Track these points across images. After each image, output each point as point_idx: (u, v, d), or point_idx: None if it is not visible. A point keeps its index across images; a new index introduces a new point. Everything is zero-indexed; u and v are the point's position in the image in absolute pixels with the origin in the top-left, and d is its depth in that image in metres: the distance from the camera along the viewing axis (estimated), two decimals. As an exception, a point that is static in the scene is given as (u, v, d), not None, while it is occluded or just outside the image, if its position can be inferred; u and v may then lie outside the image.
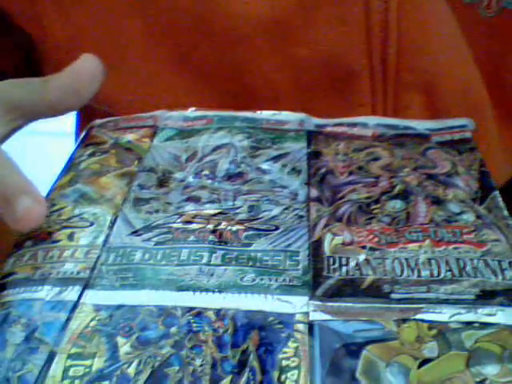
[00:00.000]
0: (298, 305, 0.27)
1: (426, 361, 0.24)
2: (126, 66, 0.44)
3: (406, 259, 0.29)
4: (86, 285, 0.28)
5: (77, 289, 0.28)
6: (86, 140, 0.40)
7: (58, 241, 0.31)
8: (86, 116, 0.43)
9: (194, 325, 0.26)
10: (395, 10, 0.40)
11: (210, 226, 0.32)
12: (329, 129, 0.40)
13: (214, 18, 0.41)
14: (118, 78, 0.43)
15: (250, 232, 0.31)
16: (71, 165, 0.38)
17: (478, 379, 0.23)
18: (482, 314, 0.26)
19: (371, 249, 0.30)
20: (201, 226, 0.32)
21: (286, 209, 0.33)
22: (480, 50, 0.43)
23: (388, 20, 0.40)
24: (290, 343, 0.25)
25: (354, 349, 0.25)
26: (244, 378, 0.24)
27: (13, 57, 0.48)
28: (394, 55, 0.41)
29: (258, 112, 0.41)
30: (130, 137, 0.40)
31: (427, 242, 0.30)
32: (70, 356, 0.25)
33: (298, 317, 0.27)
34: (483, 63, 0.44)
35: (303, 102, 0.43)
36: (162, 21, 0.42)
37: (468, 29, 0.42)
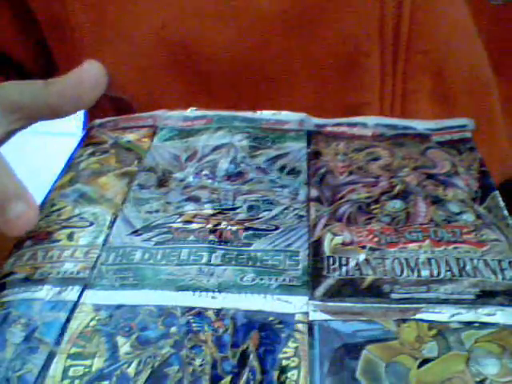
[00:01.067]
0: (297, 305, 0.27)
1: (425, 361, 0.24)
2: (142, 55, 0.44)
3: (406, 259, 0.29)
4: (86, 285, 0.28)
5: (77, 289, 0.28)
6: (86, 140, 0.40)
7: (58, 240, 0.31)
8: (94, 116, 0.43)
9: (194, 325, 0.26)
10: None
11: (210, 226, 0.32)
12: (329, 129, 0.40)
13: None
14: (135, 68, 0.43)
15: (250, 232, 0.31)
16: (71, 165, 0.38)
17: (477, 379, 0.23)
18: (481, 314, 0.26)
19: (371, 249, 0.30)
20: (201, 225, 0.32)
21: (285, 209, 0.33)
22: (487, 37, 0.43)
23: (402, 2, 0.40)
24: (289, 343, 0.25)
25: (353, 349, 0.25)
26: (244, 378, 0.24)
27: (27, 48, 0.48)
28: (406, 37, 0.41)
29: (258, 112, 0.41)
30: (129, 137, 0.40)
31: (427, 241, 0.30)
32: (69, 356, 0.25)
33: (298, 317, 0.27)
34: (490, 50, 0.44)
35: (313, 84, 0.43)
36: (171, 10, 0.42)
37: (476, 15, 0.42)
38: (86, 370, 0.24)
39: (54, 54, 0.47)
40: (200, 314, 0.27)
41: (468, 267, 0.28)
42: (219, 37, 0.42)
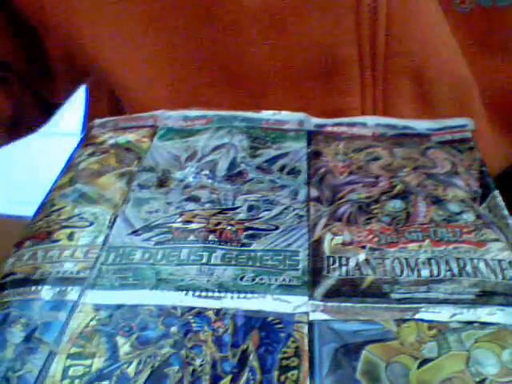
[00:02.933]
0: (297, 305, 0.27)
1: (425, 361, 0.24)
2: (120, 49, 0.44)
3: (406, 259, 0.29)
4: (86, 285, 0.28)
5: (77, 289, 0.28)
6: (86, 140, 0.40)
7: (58, 240, 0.31)
8: (93, 116, 0.43)
9: (194, 325, 0.26)
10: None
11: (210, 226, 0.32)
12: (328, 129, 0.40)
13: (210, 3, 0.41)
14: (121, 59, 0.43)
15: (250, 232, 0.31)
16: (71, 165, 0.38)
17: (477, 379, 0.23)
18: (481, 314, 0.26)
19: (371, 249, 0.30)
20: (201, 225, 0.32)
21: (285, 209, 0.33)
22: (459, 39, 0.44)
23: (377, 6, 0.40)
24: (289, 343, 0.25)
25: (353, 349, 0.25)
26: (244, 378, 0.24)
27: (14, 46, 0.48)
28: (383, 41, 0.41)
29: (258, 112, 0.41)
30: (129, 136, 0.40)
31: (427, 241, 0.30)
32: (69, 356, 0.25)
33: (298, 317, 0.27)
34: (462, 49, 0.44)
35: (293, 91, 0.43)
36: (156, 7, 0.42)
37: (448, 22, 0.43)
38: (86, 369, 0.24)
39: (51, 62, 0.47)
40: (200, 313, 0.27)
41: (468, 267, 0.28)
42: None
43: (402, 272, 0.28)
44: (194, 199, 0.34)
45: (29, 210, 0.35)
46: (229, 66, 0.43)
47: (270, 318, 0.26)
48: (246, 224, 0.32)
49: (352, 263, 0.29)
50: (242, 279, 0.29)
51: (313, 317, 0.27)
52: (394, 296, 0.27)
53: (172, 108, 0.42)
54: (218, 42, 0.42)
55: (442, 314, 0.26)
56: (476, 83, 0.45)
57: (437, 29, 0.42)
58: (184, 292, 0.28)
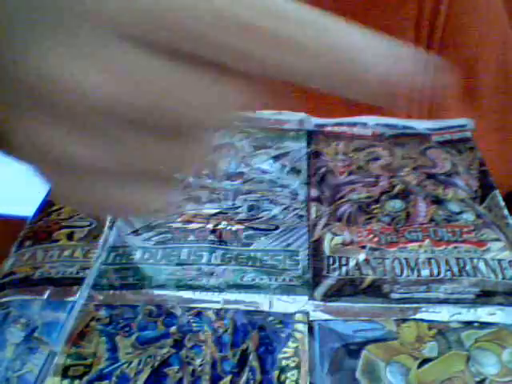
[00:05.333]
0: (297, 304, 0.27)
1: (425, 360, 0.24)
2: None
3: (406, 259, 0.29)
4: (86, 284, 0.28)
5: (76, 289, 0.28)
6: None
7: (58, 240, 0.31)
8: None
9: (194, 324, 0.26)
10: None
11: (210, 226, 0.32)
12: (329, 128, 0.40)
13: None
14: None
15: (250, 231, 0.31)
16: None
17: (477, 379, 0.23)
18: (481, 314, 0.26)
19: (371, 249, 0.30)
20: (201, 225, 0.32)
21: (285, 208, 0.33)
22: None
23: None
24: (289, 343, 0.25)
25: (353, 349, 0.25)
26: (244, 378, 0.24)
27: None
28: (441, 30, 0.41)
29: (258, 112, 0.41)
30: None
31: (427, 241, 0.30)
32: (69, 356, 0.25)
33: (298, 317, 0.27)
34: None
35: None
36: None
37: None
38: (86, 369, 0.24)
39: None
40: (200, 314, 0.27)
41: (468, 267, 0.28)
42: None
43: (401, 272, 0.28)
44: (194, 199, 0.34)
45: (29, 210, 0.35)
46: None
47: (270, 318, 0.26)
48: (246, 224, 0.32)
49: (352, 263, 0.29)
50: (242, 279, 0.28)
51: (313, 317, 0.27)
52: (394, 296, 0.27)
53: None
54: None
55: (442, 313, 0.26)
56: None
57: (493, 25, 0.42)
58: (184, 292, 0.28)
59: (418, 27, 0.41)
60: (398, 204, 0.33)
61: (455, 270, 0.28)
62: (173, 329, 0.26)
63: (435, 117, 0.43)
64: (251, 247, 0.30)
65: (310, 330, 0.26)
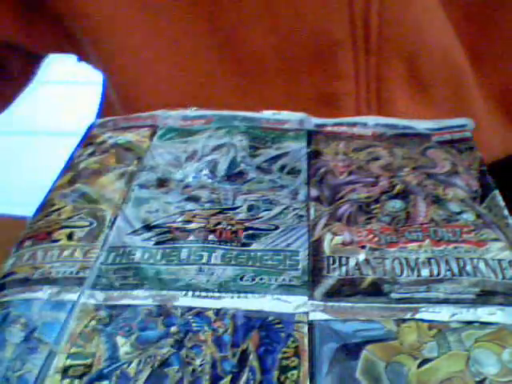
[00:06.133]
0: (297, 304, 0.27)
1: (425, 361, 0.24)
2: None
3: (406, 259, 0.29)
4: (86, 285, 0.28)
5: (76, 289, 0.28)
6: (86, 140, 0.40)
7: (58, 240, 0.31)
8: (104, 115, 0.43)
9: (194, 324, 0.26)
10: None
11: (210, 226, 0.32)
12: (328, 128, 0.40)
13: None
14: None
15: (250, 232, 0.31)
16: (71, 164, 0.38)
17: (477, 379, 0.23)
18: (481, 314, 0.26)
19: (371, 249, 0.30)
20: (200, 225, 0.32)
21: (285, 208, 0.33)
22: (459, 30, 0.43)
23: None
24: (289, 343, 0.25)
25: (353, 349, 0.25)
26: (244, 378, 0.24)
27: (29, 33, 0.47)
28: (376, 25, 0.41)
29: (258, 112, 0.41)
30: (129, 136, 0.40)
31: (427, 241, 0.30)
32: (69, 356, 0.25)
33: (298, 317, 0.27)
34: (461, 36, 0.44)
35: (287, 73, 0.43)
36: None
37: (448, 7, 0.42)
38: (86, 369, 0.24)
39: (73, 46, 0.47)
40: (200, 313, 0.27)
41: (468, 267, 0.28)
42: None
43: (401, 272, 0.28)
44: (193, 199, 0.34)
45: (29, 210, 0.35)
46: (227, 51, 0.43)
47: (270, 318, 0.26)
48: (246, 224, 0.32)
49: (352, 263, 0.29)
50: (241, 279, 0.29)
51: (313, 317, 0.27)
52: (394, 296, 0.27)
53: (173, 99, 0.42)
54: (215, 22, 0.42)
55: (442, 313, 0.26)
56: (474, 71, 0.45)
57: (431, 14, 0.42)
58: (184, 292, 0.28)
59: (352, 22, 0.41)
60: (398, 204, 0.33)
61: (455, 270, 0.28)
62: (173, 329, 0.26)
63: (384, 109, 0.43)
64: (251, 247, 0.30)
65: (310, 329, 0.26)
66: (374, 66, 0.43)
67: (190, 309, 0.27)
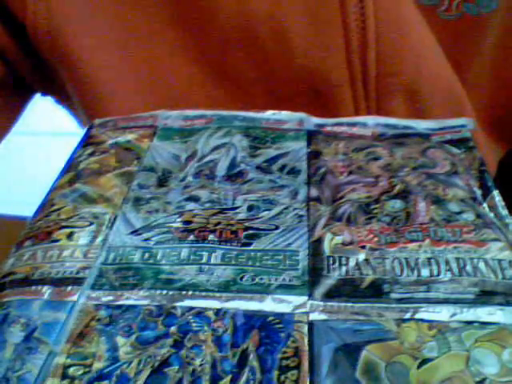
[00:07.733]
0: (297, 305, 0.27)
1: (425, 361, 0.24)
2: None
3: (406, 259, 0.29)
4: (86, 285, 0.28)
5: (76, 289, 0.28)
6: (86, 140, 0.40)
7: (58, 240, 0.31)
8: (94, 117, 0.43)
9: (194, 324, 0.26)
10: (372, 16, 0.40)
11: (210, 226, 0.32)
12: (328, 128, 0.40)
13: (208, 14, 0.41)
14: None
15: (250, 231, 0.31)
16: (71, 164, 0.38)
17: (477, 379, 0.23)
18: (481, 314, 0.26)
19: (371, 249, 0.30)
20: (200, 225, 0.32)
21: (285, 208, 0.33)
22: (443, 51, 0.44)
23: (365, 28, 0.40)
24: (289, 343, 0.25)
25: (353, 349, 0.25)
26: (244, 378, 0.24)
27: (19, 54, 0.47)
28: (374, 61, 0.41)
29: (258, 112, 0.41)
30: (129, 136, 0.40)
31: (427, 241, 0.30)
32: (69, 356, 0.25)
33: (298, 316, 0.27)
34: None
35: (276, 105, 0.44)
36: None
37: (431, 30, 0.43)
38: (86, 369, 0.24)
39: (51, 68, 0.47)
40: (200, 313, 0.27)
41: (468, 267, 0.28)
42: None
43: (401, 272, 0.28)
44: (193, 199, 0.34)
45: (29, 210, 0.35)
46: (216, 82, 0.43)
47: (269, 318, 0.26)
48: (246, 224, 0.32)
49: (352, 263, 0.29)
50: (241, 279, 0.29)
51: (313, 317, 0.27)
52: (394, 296, 0.27)
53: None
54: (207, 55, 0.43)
55: (442, 313, 0.26)
56: (465, 92, 0.46)
57: (426, 45, 0.43)
58: (184, 292, 0.28)
59: (350, 61, 0.41)
60: (398, 204, 0.33)
61: (455, 270, 0.28)
62: (173, 329, 0.26)
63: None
64: (251, 247, 0.30)
65: (310, 330, 0.26)
66: (374, 102, 0.43)
67: (190, 309, 0.27)
